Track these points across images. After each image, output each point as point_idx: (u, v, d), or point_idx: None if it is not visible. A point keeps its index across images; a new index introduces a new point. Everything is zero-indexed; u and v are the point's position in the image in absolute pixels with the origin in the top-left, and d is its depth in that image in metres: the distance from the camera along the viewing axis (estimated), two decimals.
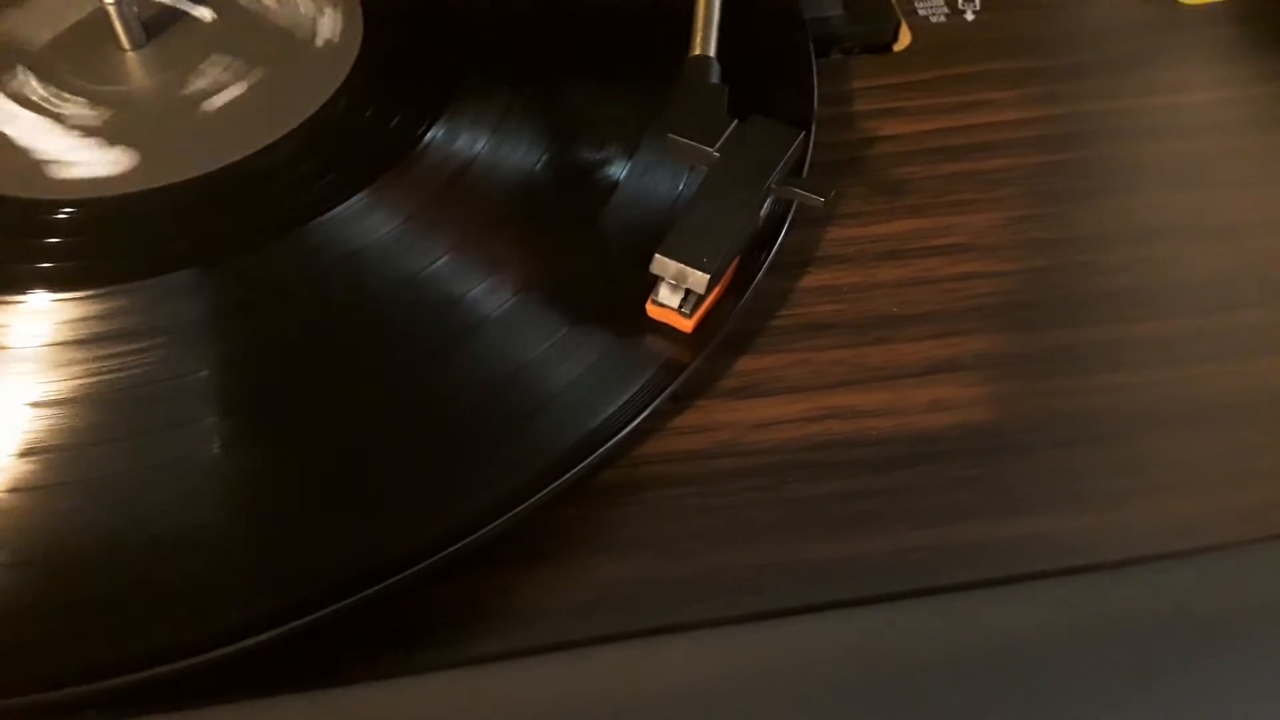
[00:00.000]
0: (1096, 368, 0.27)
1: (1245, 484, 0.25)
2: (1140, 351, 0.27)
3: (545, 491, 0.24)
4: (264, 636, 0.21)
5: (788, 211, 0.29)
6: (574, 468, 0.24)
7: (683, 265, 0.25)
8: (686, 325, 0.26)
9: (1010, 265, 0.29)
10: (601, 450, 0.24)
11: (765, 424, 0.26)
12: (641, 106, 0.30)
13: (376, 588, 0.22)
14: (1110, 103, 0.33)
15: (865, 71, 0.34)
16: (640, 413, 0.25)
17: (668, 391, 0.25)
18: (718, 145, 0.27)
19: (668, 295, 0.26)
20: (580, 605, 0.23)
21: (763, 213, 0.27)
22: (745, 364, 0.27)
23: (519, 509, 0.23)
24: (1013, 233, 0.30)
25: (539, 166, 0.29)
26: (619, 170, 0.29)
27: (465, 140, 0.29)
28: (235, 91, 0.31)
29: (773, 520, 0.24)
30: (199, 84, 0.31)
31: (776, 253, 0.28)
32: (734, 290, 0.27)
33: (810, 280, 0.29)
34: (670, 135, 0.28)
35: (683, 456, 0.26)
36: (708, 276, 0.25)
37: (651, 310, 0.26)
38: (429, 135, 0.29)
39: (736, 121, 0.28)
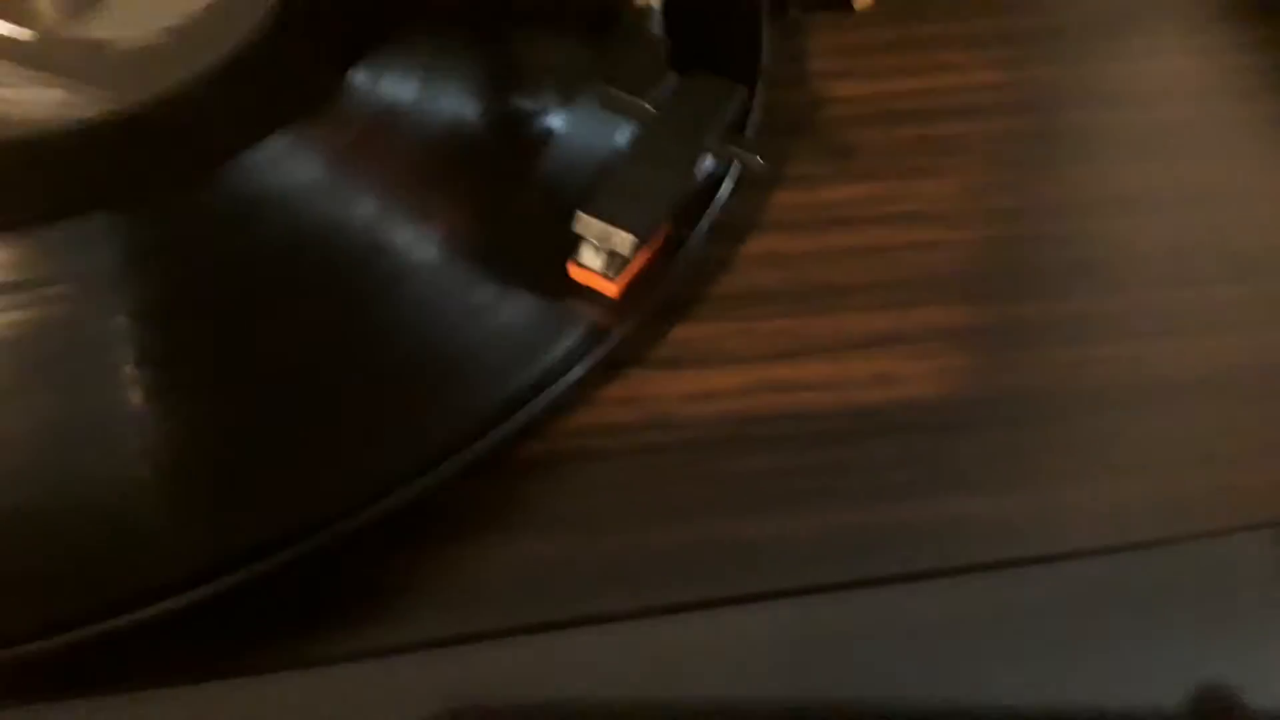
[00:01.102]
0: (1051, 342, 0.26)
1: (1204, 467, 0.24)
2: (1097, 326, 0.26)
3: (455, 460, 0.22)
4: (148, 612, 0.20)
5: (729, 173, 0.27)
6: (488, 435, 0.22)
7: (608, 225, 0.24)
8: (612, 289, 0.25)
9: (965, 234, 0.28)
10: (517, 417, 0.23)
11: (699, 396, 0.25)
12: (580, 55, 0.28)
13: (265, 565, 0.21)
14: (1077, 68, 0.32)
15: (823, 30, 0.33)
16: (560, 379, 0.23)
17: (591, 358, 0.24)
18: (654, 100, 0.26)
19: (590, 257, 0.24)
20: (495, 589, 0.22)
21: (701, 173, 0.26)
22: (681, 332, 0.26)
23: (426, 478, 0.22)
24: (969, 201, 0.29)
25: (469, 115, 0.27)
26: (554, 121, 0.27)
27: (392, 84, 0.27)
28: (149, 28, 0.29)
29: (704, 498, 0.23)
30: (110, 21, 0.29)
31: (718, 216, 0.27)
32: (667, 254, 0.26)
33: (754, 246, 0.28)
34: (604, 87, 0.26)
35: (610, 429, 0.24)
36: (634, 238, 0.24)
37: (574, 272, 0.25)
38: (354, 77, 0.27)
39: (676, 76, 0.26)
